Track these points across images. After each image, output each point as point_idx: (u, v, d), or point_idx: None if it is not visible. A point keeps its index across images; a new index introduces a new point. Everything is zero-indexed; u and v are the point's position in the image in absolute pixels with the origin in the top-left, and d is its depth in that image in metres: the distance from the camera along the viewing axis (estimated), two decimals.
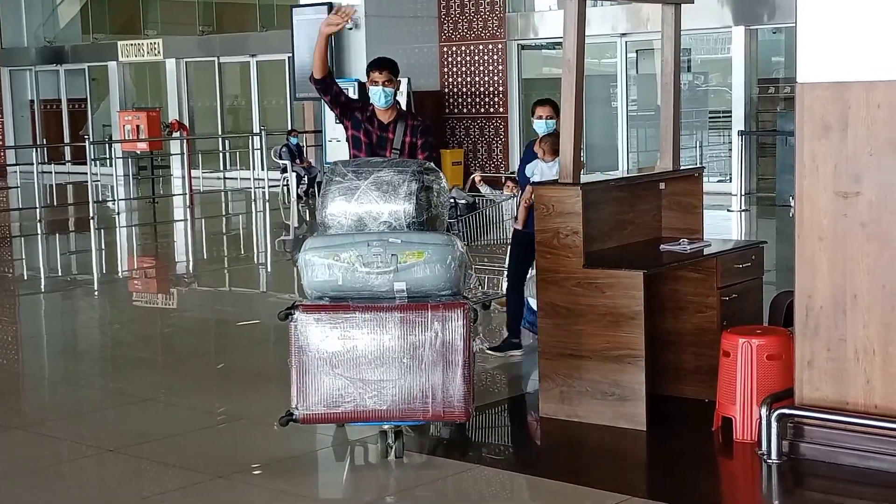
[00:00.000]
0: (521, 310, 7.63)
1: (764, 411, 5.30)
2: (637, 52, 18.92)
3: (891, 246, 5.05)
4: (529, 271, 7.43)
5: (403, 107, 6.41)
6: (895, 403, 5.08)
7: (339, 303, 5.34)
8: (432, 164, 5.71)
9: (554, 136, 6.99)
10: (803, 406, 5.29)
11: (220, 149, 23.22)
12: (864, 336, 5.13)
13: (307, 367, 5.30)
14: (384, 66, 6.34)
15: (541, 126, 7.35)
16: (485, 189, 9.52)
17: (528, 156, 7.49)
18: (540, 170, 7.22)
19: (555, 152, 6.88)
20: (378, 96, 6.29)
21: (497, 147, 19.76)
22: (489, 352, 7.59)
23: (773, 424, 5.26)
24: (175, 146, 21.41)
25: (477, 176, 9.87)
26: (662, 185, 6.80)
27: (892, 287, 5.06)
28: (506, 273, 8.05)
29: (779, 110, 17.17)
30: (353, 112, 6.38)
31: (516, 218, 7.58)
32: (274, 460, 5.70)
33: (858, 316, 5.13)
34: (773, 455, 5.27)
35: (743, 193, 16.45)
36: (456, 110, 20.04)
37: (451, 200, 8.87)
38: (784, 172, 15.51)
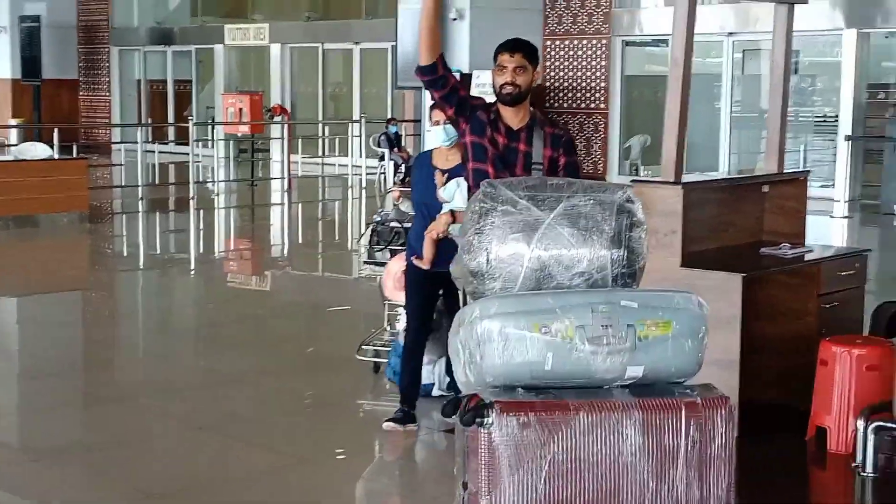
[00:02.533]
0: (419, 375, 5.97)
1: (861, 423, 5.16)
2: (744, 51, 18.60)
3: None
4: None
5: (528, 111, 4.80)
6: None
7: (548, 398, 3.71)
8: (631, 191, 4.09)
9: None
10: None
11: (321, 135, 23.40)
12: None
13: (503, 490, 3.62)
14: (517, 48, 4.75)
15: (439, 134, 5.77)
16: (406, 206, 7.43)
17: (425, 173, 5.79)
18: (463, 194, 5.34)
19: None
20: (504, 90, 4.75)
21: (596, 143, 19.59)
22: (386, 423, 5.87)
23: (870, 436, 5.11)
24: (276, 130, 21.62)
25: (396, 191, 7.84)
26: (766, 188, 6.65)
27: None
28: (402, 327, 6.51)
29: (888, 116, 16.75)
30: (475, 112, 4.79)
31: (417, 255, 5.74)
32: (359, 445, 5.71)
33: None
34: (869, 468, 5.13)
35: (847, 200, 16.06)
36: (556, 104, 19.91)
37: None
38: (891, 180, 15.15)
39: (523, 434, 3.59)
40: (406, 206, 7.37)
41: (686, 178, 6.31)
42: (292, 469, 5.37)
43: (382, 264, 7.24)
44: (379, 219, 7.43)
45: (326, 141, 23.07)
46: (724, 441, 3.81)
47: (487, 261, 3.81)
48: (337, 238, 14.80)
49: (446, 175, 5.65)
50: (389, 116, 20.29)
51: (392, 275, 6.72)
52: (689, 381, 3.87)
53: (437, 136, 5.78)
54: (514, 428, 3.59)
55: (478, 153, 4.75)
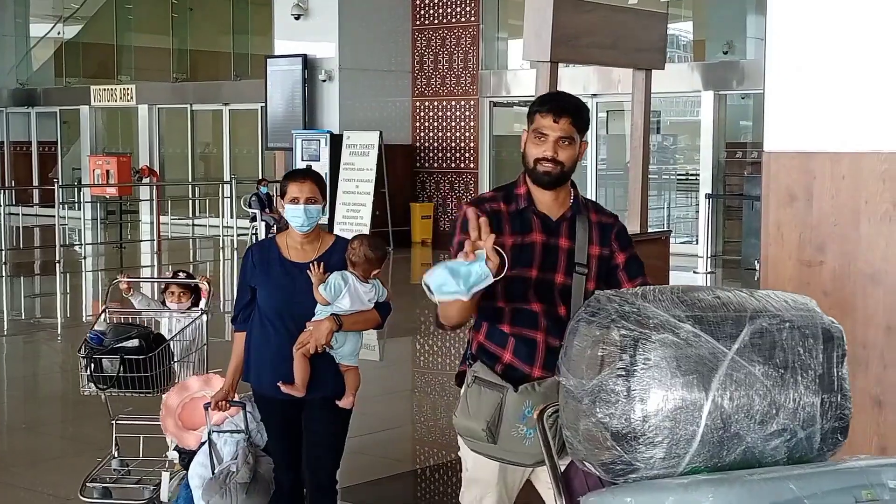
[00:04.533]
0: None
1: None
2: (608, 112, 19.12)
3: (852, 316, 5.11)
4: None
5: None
6: None
7: None
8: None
9: (363, 241, 4.51)
10: None
11: (190, 196, 23.20)
12: None
13: None
14: (564, 112, 3.48)
15: (297, 216, 4.40)
16: (139, 300, 5.95)
17: (273, 270, 4.48)
18: (354, 292, 4.40)
19: (371, 269, 4.47)
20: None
21: (466, 202, 19.81)
22: None
23: None
24: (145, 192, 21.38)
25: (124, 282, 5.91)
26: None
27: (853, 356, 5.10)
28: (174, 456, 5.23)
29: (746, 174, 17.37)
30: (483, 205, 3.56)
31: (284, 381, 4.37)
32: None
33: None
34: None
35: (709, 255, 16.57)
36: (427, 164, 20.14)
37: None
38: (750, 236, 15.66)
39: None
40: (141, 302, 5.87)
41: None
42: None
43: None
44: (94, 338, 5.32)
45: (197, 202, 22.87)
46: None
47: (644, 417, 2.50)
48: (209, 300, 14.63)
49: (321, 266, 4.37)
50: (260, 177, 20.25)
51: (171, 412, 5.06)
52: None
53: (295, 218, 4.38)
54: None
55: (519, 256, 3.40)
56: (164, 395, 5.14)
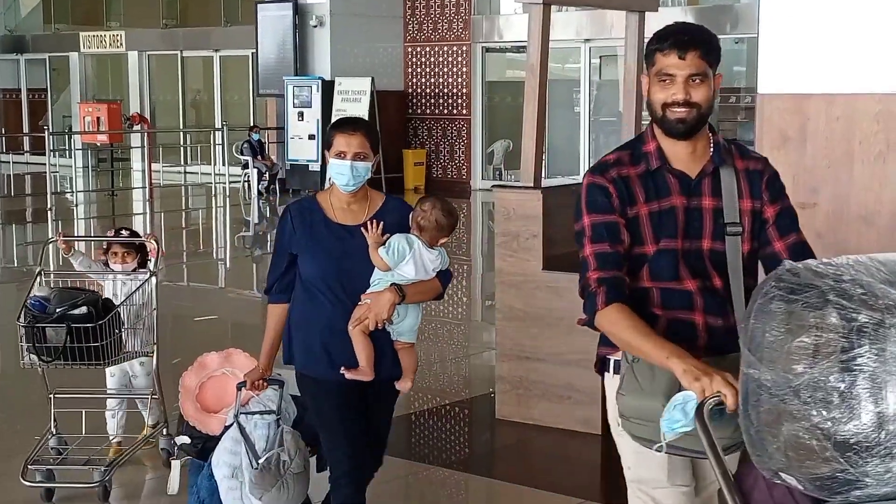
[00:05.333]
0: None
1: None
2: (601, 57, 19.01)
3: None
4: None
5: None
6: None
7: None
8: None
9: (435, 205, 3.89)
10: None
11: (182, 143, 23.10)
12: None
13: None
14: (691, 45, 2.87)
15: (343, 172, 3.79)
16: (80, 261, 5.45)
17: (318, 232, 3.84)
18: (419, 259, 3.81)
19: (440, 236, 3.88)
20: None
21: (459, 149, 19.78)
22: None
23: None
24: (136, 139, 21.27)
25: (61, 241, 5.35)
26: None
27: None
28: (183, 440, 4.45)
29: (739, 120, 17.31)
30: (609, 172, 2.97)
31: (347, 366, 3.77)
32: None
33: None
34: None
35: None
36: (419, 111, 20.04)
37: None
38: None
39: None
40: (82, 263, 5.39)
41: (547, 182, 6.46)
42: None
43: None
44: (35, 304, 4.87)
45: (188, 149, 22.78)
46: None
47: (879, 423, 2.03)
48: (202, 247, 14.63)
49: (380, 227, 3.79)
50: (252, 124, 20.17)
51: (190, 393, 4.41)
52: None
53: (340, 175, 3.79)
54: None
55: (660, 225, 2.93)
56: (182, 377, 4.42)
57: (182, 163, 22.01)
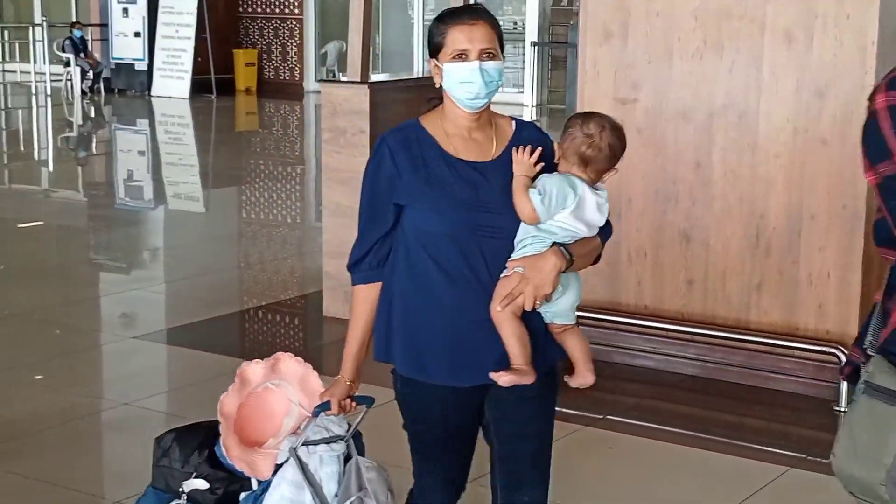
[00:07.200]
0: None
1: None
2: None
3: (664, 153, 5.24)
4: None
5: None
6: (664, 304, 5.32)
7: None
8: None
9: (604, 125, 2.71)
10: None
11: None
12: (636, 239, 5.34)
13: None
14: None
15: (471, 78, 2.65)
16: None
17: (432, 171, 2.68)
18: (586, 206, 2.67)
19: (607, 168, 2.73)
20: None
21: (292, 49, 19.43)
22: None
23: None
24: None
25: None
26: None
27: (664, 192, 5.27)
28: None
29: (571, 24, 17.46)
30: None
31: (504, 369, 2.63)
32: (48, 357, 5.57)
33: (632, 220, 5.32)
34: None
35: (535, 105, 16.75)
36: (250, 9, 19.57)
37: None
38: (574, 84, 15.81)
39: None
40: None
41: (376, 77, 6.41)
42: None
43: None
44: None
45: (6, 46, 21.78)
46: None
47: None
48: (23, 148, 14.09)
49: (536, 153, 2.67)
50: (74, 20, 19.36)
51: (232, 423, 2.99)
52: None
53: (465, 85, 2.66)
54: None
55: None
56: (220, 400, 3.00)
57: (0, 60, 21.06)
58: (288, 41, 19.39)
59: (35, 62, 18.93)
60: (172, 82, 17.97)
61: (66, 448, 4.47)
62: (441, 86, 2.66)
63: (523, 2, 18.06)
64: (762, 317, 5.13)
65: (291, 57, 19.46)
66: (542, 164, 2.66)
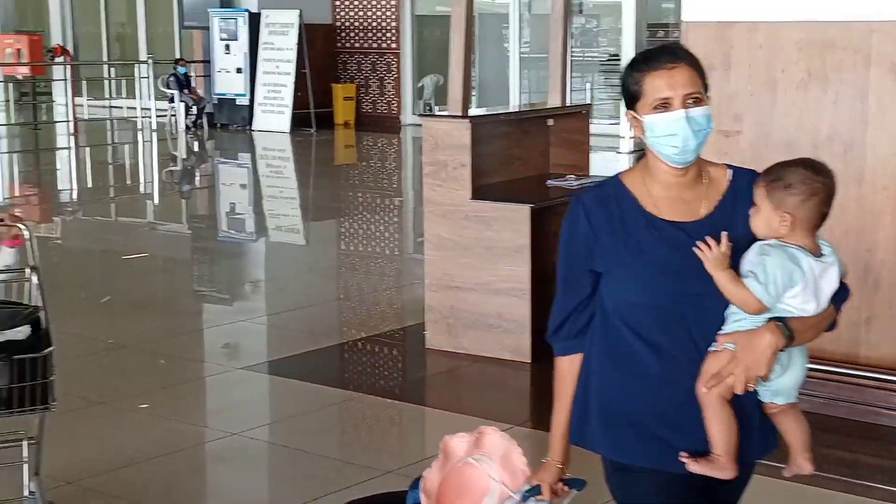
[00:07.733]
0: None
1: None
2: None
3: None
4: None
5: None
6: None
7: None
8: None
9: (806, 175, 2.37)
10: None
11: (106, 76, 22.65)
12: None
13: None
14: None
15: (676, 129, 2.38)
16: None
17: (631, 236, 2.43)
18: (814, 280, 2.40)
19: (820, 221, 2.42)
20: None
21: (389, 83, 19.65)
22: None
23: None
24: (58, 72, 20.81)
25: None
26: (550, 122, 6.86)
27: None
28: None
29: None
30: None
31: (689, 454, 2.40)
32: (153, 387, 5.68)
33: None
34: None
35: (631, 136, 16.62)
36: (348, 44, 19.85)
37: None
38: None
39: None
40: (11, 258, 3.64)
41: (475, 111, 6.46)
42: (87, 413, 5.29)
43: None
44: None
45: (112, 83, 22.35)
46: None
47: None
48: (129, 182, 14.44)
49: (725, 240, 2.37)
50: (178, 57, 19.83)
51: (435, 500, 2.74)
52: None
53: (670, 139, 2.39)
54: None
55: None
56: (424, 476, 2.75)
57: (107, 96, 21.61)
58: (385, 75, 19.60)
59: (140, 98, 19.39)
60: (273, 117, 18.30)
61: (172, 477, 4.55)
62: (641, 138, 2.39)
63: (619, 33, 18.01)
64: (871, 351, 5.03)
65: (389, 91, 19.67)
66: (740, 242, 2.34)
